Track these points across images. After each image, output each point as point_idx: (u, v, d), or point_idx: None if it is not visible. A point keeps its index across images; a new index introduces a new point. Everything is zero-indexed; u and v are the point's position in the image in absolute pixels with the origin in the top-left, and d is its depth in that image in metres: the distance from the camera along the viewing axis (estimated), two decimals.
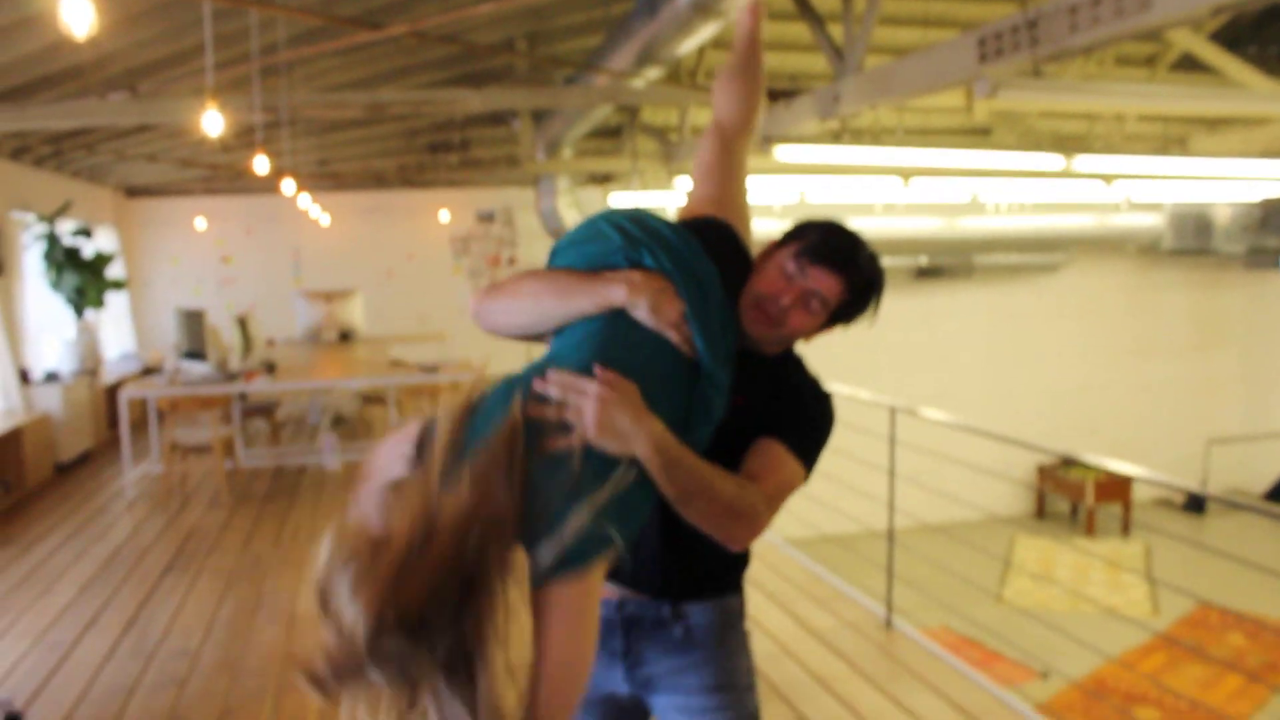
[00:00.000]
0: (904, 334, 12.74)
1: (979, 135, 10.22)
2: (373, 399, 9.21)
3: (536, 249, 11.98)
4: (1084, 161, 7.97)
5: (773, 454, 1.64)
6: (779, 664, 4.17)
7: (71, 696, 3.86)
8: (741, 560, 1.84)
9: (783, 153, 7.05)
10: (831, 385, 1.89)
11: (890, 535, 4.66)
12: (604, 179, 11.28)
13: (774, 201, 11.51)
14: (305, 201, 9.55)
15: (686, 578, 1.77)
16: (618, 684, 1.81)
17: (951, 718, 3.63)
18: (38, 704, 3.79)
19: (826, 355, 2.37)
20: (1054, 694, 8.33)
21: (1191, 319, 14.79)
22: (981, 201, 12.40)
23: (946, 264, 13.06)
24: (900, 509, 4.71)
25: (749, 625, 1.89)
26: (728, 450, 1.61)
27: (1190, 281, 14.57)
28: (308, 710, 3.72)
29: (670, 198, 11.30)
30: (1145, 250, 13.61)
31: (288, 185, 7.36)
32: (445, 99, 7.02)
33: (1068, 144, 9.64)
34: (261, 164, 5.71)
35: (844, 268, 1.67)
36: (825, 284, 1.66)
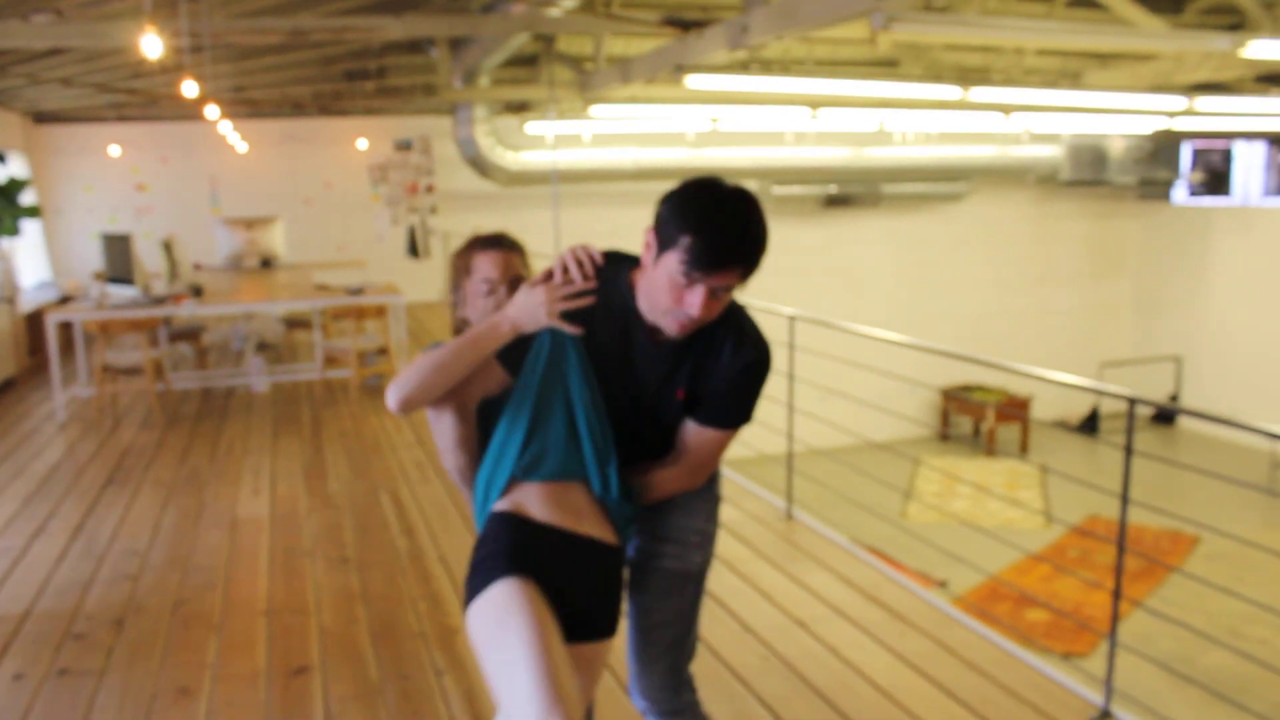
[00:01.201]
0: (812, 261, 13.20)
1: (886, 67, 10.57)
2: (296, 324, 9.37)
3: (454, 177, 12.13)
4: (980, 93, 8.38)
5: (701, 437, 2.01)
6: None
7: (30, 591, 4.10)
8: None
9: (693, 81, 7.34)
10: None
11: (789, 434, 5.05)
12: (520, 107, 11.42)
13: (686, 129, 11.77)
14: (226, 128, 9.56)
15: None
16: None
17: (842, 591, 4.06)
18: None
19: None
20: (951, 600, 8.94)
21: (1088, 247, 15.51)
22: (888, 131, 12.82)
23: (854, 192, 13.51)
24: (804, 422, 5.10)
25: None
26: (667, 433, 2.02)
27: (1087, 211, 15.27)
28: (256, 596, 4.02)
29: (585, 126, 11.52)
30: (1044, 180, 14.22)
31: (211, 111, 7.43)
32: (365, 26, 7.14)
33: (970, 76, 10.01)
34: (190, 89, 5.81)
35: (738, 261, 1.77)
36: (725, 279, 1.77)
